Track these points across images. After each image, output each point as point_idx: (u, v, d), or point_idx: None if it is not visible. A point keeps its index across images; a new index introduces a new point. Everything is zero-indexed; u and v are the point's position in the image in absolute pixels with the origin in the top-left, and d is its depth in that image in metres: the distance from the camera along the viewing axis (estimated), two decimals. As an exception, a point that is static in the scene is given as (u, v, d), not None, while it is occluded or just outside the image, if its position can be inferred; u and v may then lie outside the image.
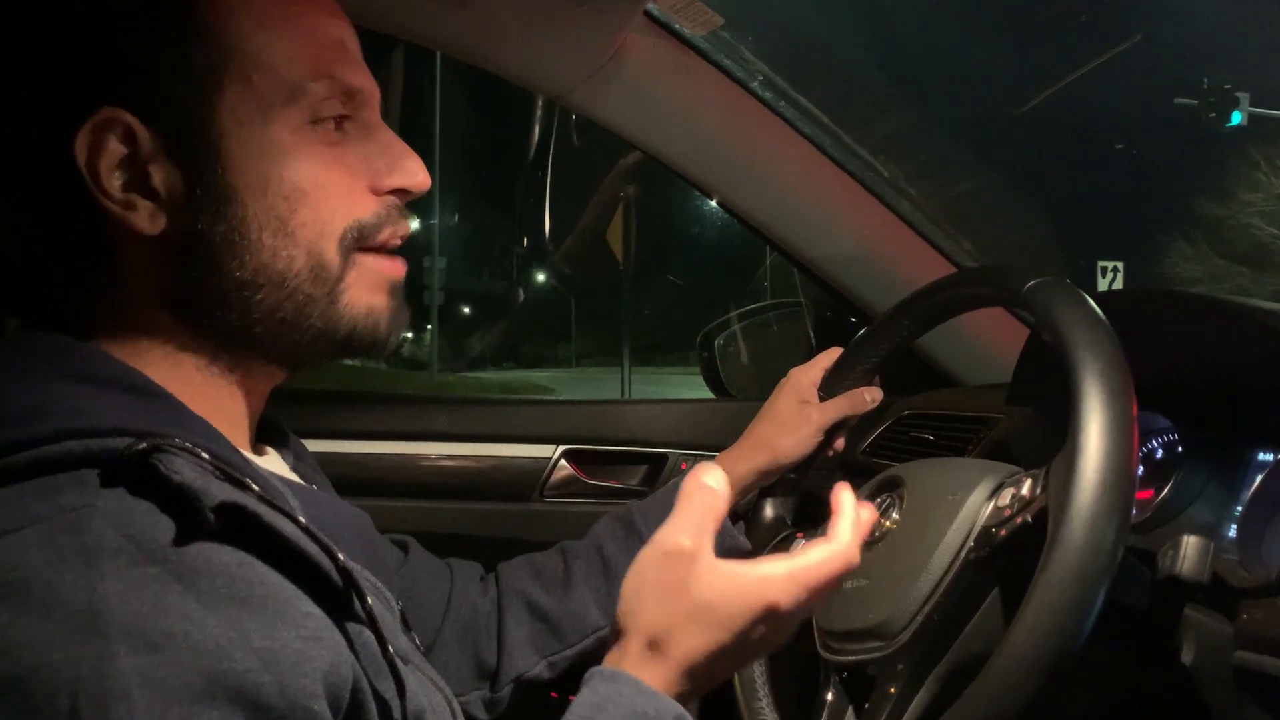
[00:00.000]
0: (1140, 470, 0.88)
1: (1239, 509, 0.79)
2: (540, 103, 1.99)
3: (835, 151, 1.31)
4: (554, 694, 0.85)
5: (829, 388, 1.02)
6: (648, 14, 1.14)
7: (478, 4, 1.05)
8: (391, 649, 0.55)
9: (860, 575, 0.76)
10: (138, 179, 0.58)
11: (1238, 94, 13.92)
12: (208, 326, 0.61)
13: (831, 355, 1.04)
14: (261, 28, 0.60)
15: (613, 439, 1.43)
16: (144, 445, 0.50)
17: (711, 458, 1.04)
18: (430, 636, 0.89)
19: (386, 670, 0.55)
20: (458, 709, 0.67)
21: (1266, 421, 0.81)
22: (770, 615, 0.60)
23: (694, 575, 0.60)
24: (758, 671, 0.90)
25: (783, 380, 1.05)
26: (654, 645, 0.60)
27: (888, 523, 0.78)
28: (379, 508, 0.82)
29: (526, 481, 1.42)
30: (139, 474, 0.49)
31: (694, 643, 0.59)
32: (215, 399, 0.62)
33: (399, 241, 0.66)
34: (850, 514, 0.65)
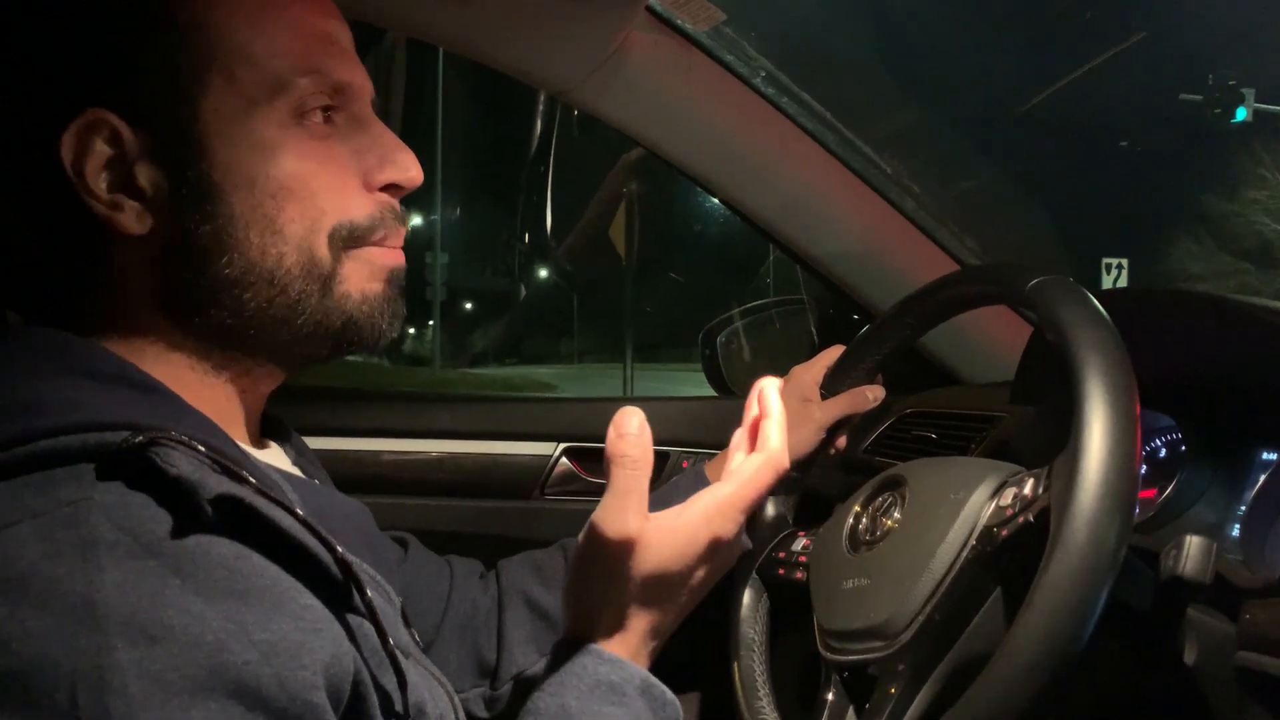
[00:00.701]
0: (1143, 470, 0.87)
1: (1242, 509, 0.79)
2: (542, 98, 1.99)
3: (838, 148, 1.30)
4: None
5: (831, 386, 1.01)
6: (650, 10, 1.14)
7: (480, 0, 1.05)
8: (392, 641, 0.55)
9: (862, 574, 0.76)
10: (124, 180, 0.58)
11: (1243, 90, 13.90)
12: (201, 325, 0.61)
13: (834, 353, 1.04)
14: (245, 23, 0.59)
15: None
16: (140, 439, 0.50)
17: (713, 455, 1.04)
18: (430, 633, 0.89)
19: (387, 663, 0.55)
20: (458, 703, 0.67)
21: (1270, 421, 0.81)
22: (717, 547, 0.63)
23: (640, 554, 0.61)
24: (758, 671, 0.89)
25: (785, 378, 1.05)
26: (613, 627, 0.62)
27: (889, 522, 0.78)
28: (379, 505, 0.82)
29: (527, 479, 1.42)
30: (136, 467, 0.49)
31: (650, 611, 0.62)
32: (211, 398, 0.62)
33: (396, 245, 0.66)
34: (778, 416, 0.68)
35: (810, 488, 1.01)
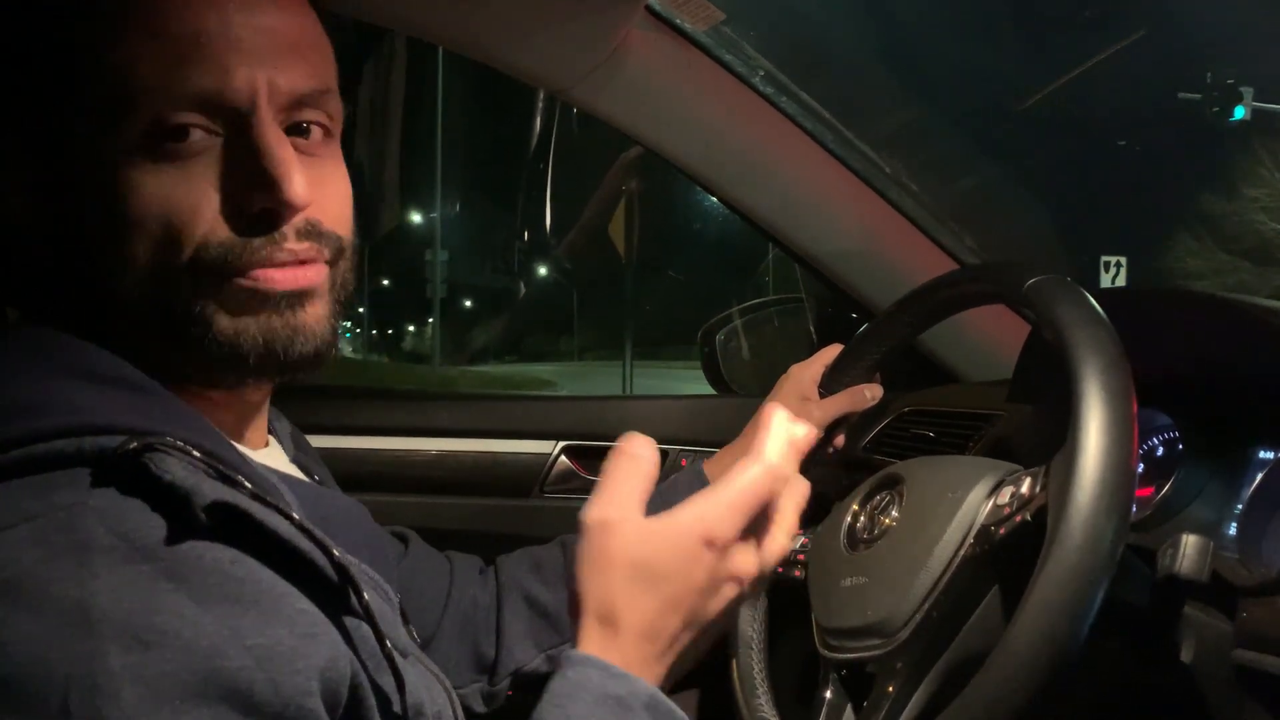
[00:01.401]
0: (1140, 468, 0.88)
1: (1239, 507, 0.79)
2: (542, 97, 1.99)
3: (837, 147, 1.30)
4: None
5: (830, 384, 1.02)
6: (649, 9, 1.14)
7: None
8: (389, 643, 0.55)
9: (860, 573, 0.76)
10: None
11: (1241, 88, 13.88)
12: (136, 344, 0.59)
13: (832, 351, 1.04)
14: (107, 29, 0.55)
15: (613, 435, 1.42)
16: (135, 444, 0.49)
17: (711, 453, 1.04)
18: (429, 629, 0.89)
19: (385, 665, 0.55)
20: (457, 702, 0.67)
21: (1268, 420, 0.81)
22: (710, 548, 0.58)
23: (621, 540, 0.58)
24: (757, 669, 0.90)
25: (783, 376, 1.05)
26: (604, 620, 0.58)
27: (887, 520, 0.78)
28: (379, 503, 0.82)
29: (527, 477, 1.42)
30: (132, 472, 0.49)
31: (640, 605, 0.57)
32: (207, 399, 0.61)
33: (289, 258, 0.58)
34: (780, 432, 0.62)
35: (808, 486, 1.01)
